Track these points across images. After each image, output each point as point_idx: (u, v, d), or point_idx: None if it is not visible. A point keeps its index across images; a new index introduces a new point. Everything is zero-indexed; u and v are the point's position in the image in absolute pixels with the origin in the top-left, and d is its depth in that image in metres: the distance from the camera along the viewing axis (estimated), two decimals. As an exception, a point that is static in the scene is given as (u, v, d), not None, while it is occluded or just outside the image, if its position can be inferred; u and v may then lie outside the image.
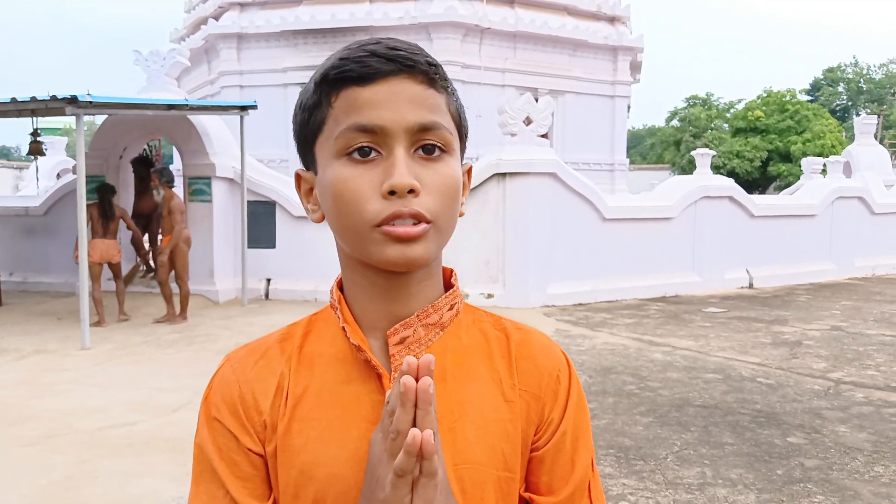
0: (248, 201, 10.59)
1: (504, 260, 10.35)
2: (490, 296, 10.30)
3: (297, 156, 0.90)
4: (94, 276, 8.83)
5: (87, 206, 8.63)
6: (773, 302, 11.17)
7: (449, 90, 0.86)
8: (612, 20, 18.36)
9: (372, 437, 0.77)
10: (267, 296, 10.87)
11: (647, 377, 6.54)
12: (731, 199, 12.53)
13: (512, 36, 16.30)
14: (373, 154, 0.80)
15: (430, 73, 0.83)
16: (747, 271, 12.79)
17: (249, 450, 0.86)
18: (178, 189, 13.37)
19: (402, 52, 0.81)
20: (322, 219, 0.88)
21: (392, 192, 0.78)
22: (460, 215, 0.87)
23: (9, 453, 4.65)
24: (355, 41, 0.84)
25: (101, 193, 8.95)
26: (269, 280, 10.93)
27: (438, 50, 15.25)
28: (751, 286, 12.74)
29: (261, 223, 10.82)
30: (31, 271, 11.87)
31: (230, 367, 0.91)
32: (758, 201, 13.38)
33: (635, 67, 19.72)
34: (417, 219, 0.79)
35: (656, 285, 11.55)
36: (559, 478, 0.89)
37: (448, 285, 0.92)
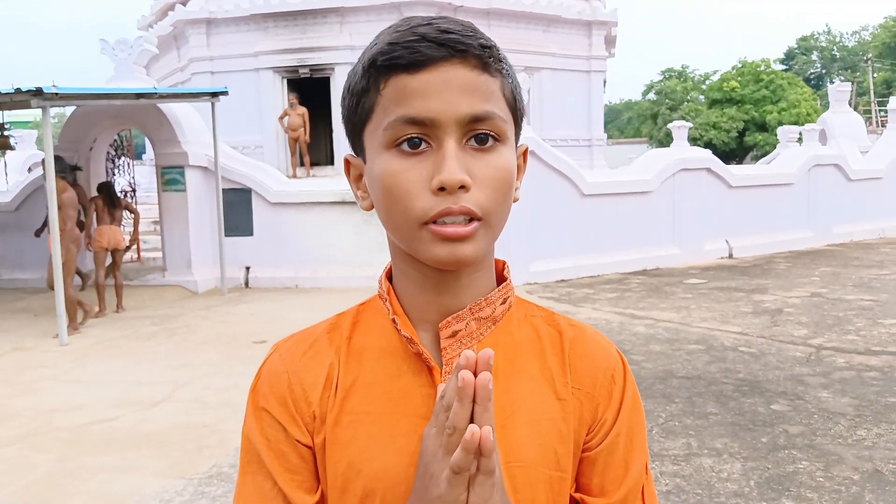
0: (224, 189, 10.47)
1: (484, 239, 10.32)
2: (472, 276, 10.28)
3: (347, 139, 0.86)
4: (100, 263, 8.98)
5: (92, 198, 9.11)
6: (752, 271, 11.25)
7: (504, 72, 0.80)
8: (585, -6, 18.27)
9: (425, 431, 0.74)
10: (247, 284, 10.78)
11: (631, 350, 6.56)
12: (708, 170, 12.56)
13: (485, 13, 16.16)
14: (423, 145, 0.77)
15: (483, 57, 0.77)
16: (727, 242, 12.86)
17: (298, 441, 0.85)
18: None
19: (453, 36, 0.76)
20: (371, 207, 0.85)
21: (442, 189, 0.75)
22: (515, 200, 0.83)
23: (-13, 454, 4.57)
24: (404, 20, 0.79)
25: (103, 187, 9.20)
26: (248, 268, 10.83)
27: (411, 30, 15.11)
28: (730, 256, 12.82)
29: (237, 211, 10.70)
30: (4, 268, 11.68)
31: (279, 356, 0.89)
32: (735, 172, 13.44)
33: (610, 42, 19.66)
34: (468, 215, 0.76)
35: (637, 259, 11.59)
36: (612, 480, 0.87)
37: (501, 278, 0.89)
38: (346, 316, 0.91)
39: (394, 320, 0.85)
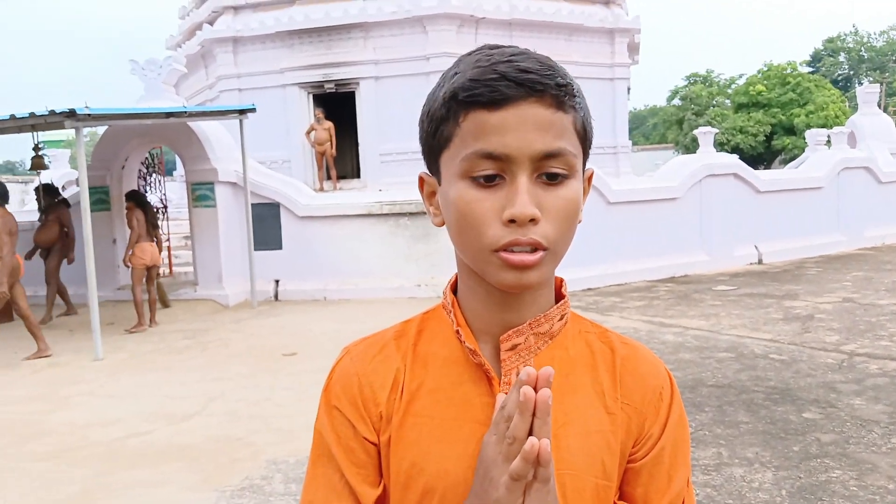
0: (253, 204, 10.60)
1: (511, 249, 10.32)
2: (498, 286, 10.28)
3: (423, 158, 0.92)
4: (139, 279, 9.14)
5: (130, 211, 9.19)
6: (783, 277, 11.12)
7: (577, 107, 0.85)
8: (607, 3, 18.23)
9: (485, 438, 0.80)
10: (276, 297, 10.89)
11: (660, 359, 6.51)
12: (735, 175, 12.46)
13: (507, 24, 16.20)
14: (497, 179, 0.82)
15: (560, 96, 0.82)
16: (756, 247, 12.72)
17: (365, 438, 0.91)
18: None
19: (532, 76, 0.80)
20: (442, 224, 0.90)
21: (512, 221, 0.80)
22: (578, 222, 0.88)
23: (25, 469, 4.67)
24: (485, 55, 0.84)
25: (140, 198, 9.41)
26: (277, 281, 10.95)
27: (434, 42, 15.19)
28: (760, 262, 12.68)
29: (266, 225, 10.83)
30: (41, 285, 11.90)
31: (350, 359, 0.95)
32: (763, 176, 13.31)
33: (633, 49, 19.59)
34: (536, 247, 0.81)
35: (665, 266, 11.52)
36: (655, 490, 0.92)
37: (559, 295, 0.95)
38: (411, 324, 0.97)
39: (457, 331, 0.91)
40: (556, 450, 0.86)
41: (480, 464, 0.79)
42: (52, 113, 7.73)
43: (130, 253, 9.09)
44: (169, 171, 17.27)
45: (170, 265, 12.16)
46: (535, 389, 0.74)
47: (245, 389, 6.20)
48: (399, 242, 10.54)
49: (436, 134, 0.86)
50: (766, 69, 37.40)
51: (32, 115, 7.98)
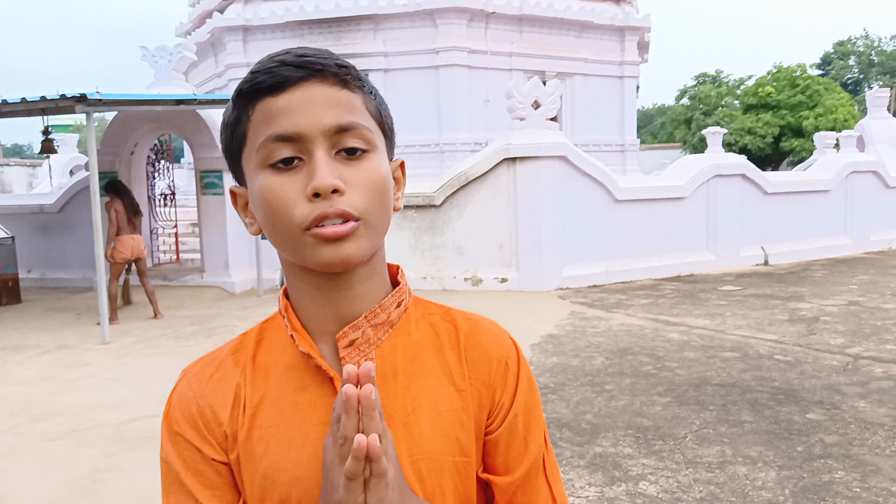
0: (260, 193, 10.62)
1: (517, 244, 10.35)
2: (504, 280, 10.31)
3: (230, 172, 0.91)
4: (116, 273, 8.79)
5: (109, 202, 8.74)
6: (789, 278, 11.12)
7: (365, 89, 0.86)
8: (617, 0, 18.20)
9: (325, 441, 0.79)
10: (282, 285, 10.91)
11: (664, 357, 6.54)
12: (743, 176, 12.46)
13: (518, 19, 16.18)
14: (295, 161, 0.81)
15: (341, 75, 0.83)
16: (762, 248, 12.73)
17: (214, 460, 0.89)
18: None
19: (310, 59, 0.82)
20: (259, 231, 0.88)
21: (317, 195, 0.79)
22: (395, 210, 0.89)
23: (35, 449, 4.71)
24: (267, 55, 0.85)
25: (122, 189, 8.96)
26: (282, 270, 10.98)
27: (444, 36, 15.18)
28: (766, 263, 12.68)
29: (273, 214, 10.86)
30: (48, 268, 11.98)
31: (186, 382, 0.93)
32: (771, 178, 13.30)
33: (643, 47, 19.55)
34: (345, 217, 0.80)
35: (671, 265, 11.53)
36: (514, 458, 0.92)
37: (395, 282, 0.94)
38: (250, 335, 0.95)
39: (292, 336, 0.89)
40: (408, 436, 0.86)
41: (323, 467, 0.79)
42: (63, 97, 7.76)
43: (112, 246, 8.70)
44: (177, 158, 17.32)
45: (177, 252, 12.20)
46: (359, 386, 0.73)
47: (251, 376, 6.23)
48: (405, 235, 10.57)
49: (232, 138, 0.87)
50: (775, 71, 37.28)
51: (44, 98, 8.01)
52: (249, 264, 10.76)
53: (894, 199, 14.72)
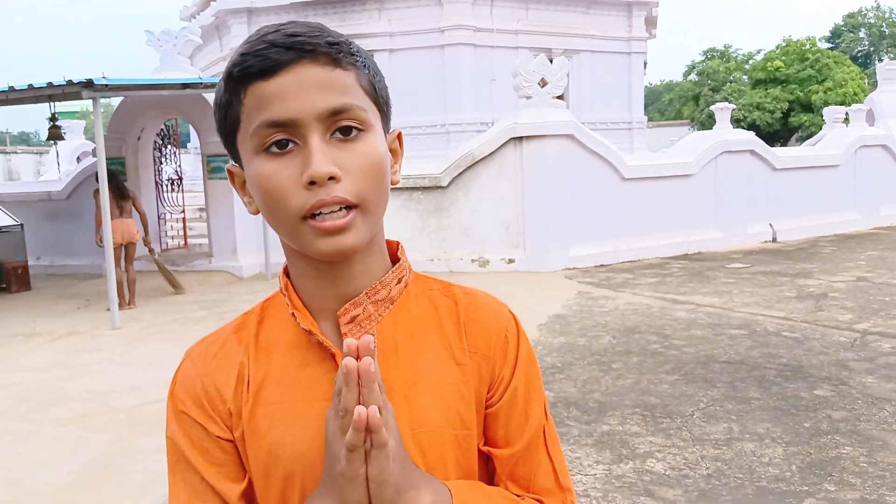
0: (267, 177, 10.63)
1: (524, 224, 10.34)
2: (511, 261, 10.31)
3: (225, 149, 0.91)
4: (116, 259, 8.60)
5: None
6: (797, 255, 11.08)
7: (359, 64, 0.84)
8: (625, -25, 18.01)
9: (326, 415, 0.80)
10: (289, 269, 10.96)
11: (672, 335, 6.55)
12: (751, 152, 12.38)
13: (524, -3, 16.07)
14: (290, 145, 0.81)
15: (332, 54, 0.81)
16: (770, 225, 12.67)
17: (218, 437, 0.90)
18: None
19: (300, 39, 0.80)
20: (258, 211, 0.88)
21: (313, 182, 0.79)
22: (394, 183, 0.89)
23: (48, 434, 4.78)
24: (257, 31, 0.84)
25: (111, 175, 8.73)
26: (291, 254, 11.01)
27: (449, 15, 15.08)
28: (774, 240, 12.63)
29: (280, 198, 10.87)
30: (57, 255, 12.06)
31: (191, 362, 0.94)
32: (779, 154, 13.22)
33: (651, 22, 19.36)
34: (342, 204, 0.80)
35: (678, 243, 11.50)
36: (515, 430, 0.93)
37: (395, 259, 0.94)
38: (251, 314, 0.96)
39: (293, 314, 0.90)
40: (409, 410, 0.87)
41: (325, 440, 0.80)
42: (70, 83, 7.78)
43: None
44: (184, 143, 17.33)
45: (184, 236, 12.26)
46: (358, 359, 0.74)
47: (261, 360, 6.27)
48: (412, 217, 10.57)
49: (226, 119, 0.86)
50: (784, 45, 36.88)
51: (50, 84, 8.03)
52: (257, 248, 10.79)
53: (904, 174, 14.61)
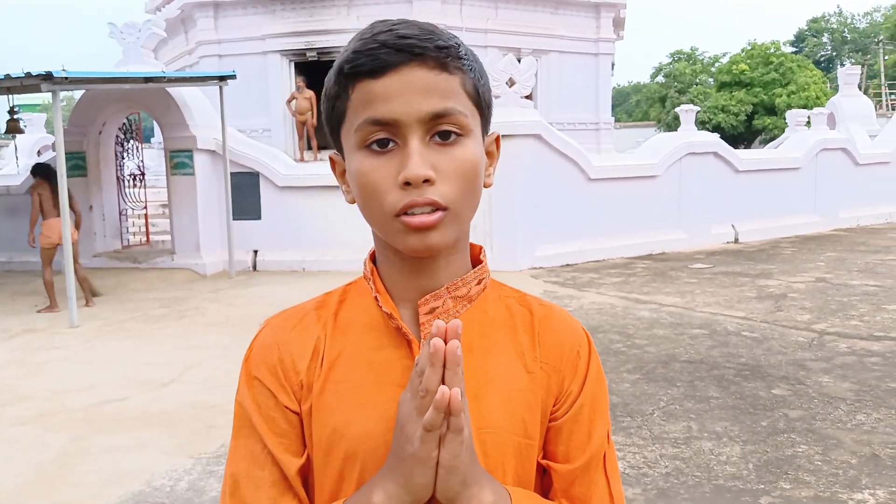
0: (232, 173, 10.52)
1: (490, 224, 10.36)
2: (478, 259, 10.31)
3: (331, 140, 0.93)
4: (48, 260, 8.39)
5: (34, 185, 8.49)
6: (758, 256, 11.26)
7: (465, 67, 0.86)
8: (593, -24, 18.14)
9: (401, 396, 0.82)
10: (255, 267, 10.87)
11: (634, 335, 6.61)
12: (715, 154, 12.55)
13: (493, -4, 16.10)
14: (390, 145, 0.83)
15: (441, 58, 0.84)
16: (733, 226, 12.86)
17: (287, 408, 0.91)
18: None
19: (411, 41, 0.83)
20: (354, 201, 0.91)
21: (408, 183, 0.81)
22: (487, 186, 0.92)
23: (3, 434, 4.67)
24: (369, 27, 0.87)
25: (47, 173, 8.48)
26: (255, 251, 10.91)
27: (418, 13, 15.04)
28: (736, 241, 12.82)
29: (245, 195, 10.77)
30: (16, 251, 11.78)
31: (270, 330, 0.96)
32: (742, 156, 13.41)
33: (618, 24, 19.54)
34: (434, 206, 0.82)
35: (643, 243, 11.62)
36: (576, 447, 0.93)
37: (476, 261, 0.97)
38: (333, 294, 0.99)
39: (376, 297, 0.92)
40: (476, 409, 0.88)
41: (397, 421, 0.81)
42: (29, 75, 7.61)
43: (40, 232, 8.30)
44: (147, 138, 17.08)
45: (147, 233, 12.07)
46: (445, 342, 0.75)
47: (222, 358, 6.21)
48: (379, 214, 10.52)
49: (333, 111, 0.89)
50: (749, 48, 37.49)
51: (8, 77, 7.85)
52: (221, 246, 10.66)
53: (863, 177, 14.92)
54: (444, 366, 0.75)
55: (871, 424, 4.40)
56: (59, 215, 8.27)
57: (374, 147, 0.84)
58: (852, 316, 7.19)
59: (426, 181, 0.81)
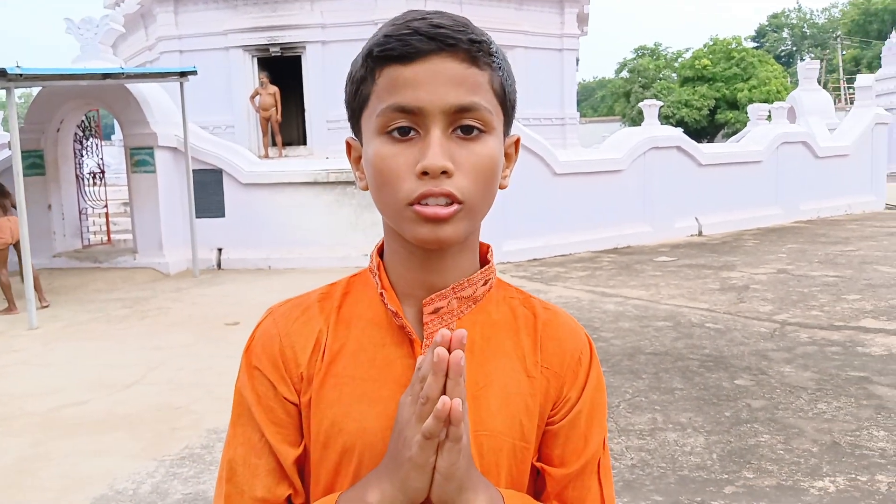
0: (194, 170, 10.38)
1: (457, 219, 10.34)
2: (445, 255, 10.31)
3: (349, 122, 0.92)
4: (3, 260, 8.17)
5: None
6: (721, 248, 11.42)
7: (494, 65, 0.86)
8: (557, -28, 18.21)
9: (401, 399, 0.82)
10: (219, 266, 10.73)
11: (600, 328, 6.66)
12: (678, 148, 12.69)
13: (457, -9, 16.07)
14: (411, 133, 0.83)
15: (472, 51, 0.83)
16: (696, 219, 13.02)
17: (286, 399, 0.91)
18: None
19: (444, 31, 0.82)
20: (367, 187, 0.90)
21: (425, 173, 0.80)
22: (502, 187, 0.90)
23: (-43, 439, 4.55)
24: (403, 15, 0.85)
25: None
26: (220, 250, 10.77)
27: (382, 8, 14.96)
28: (700, 234, 12.99)
29: (208, 192, 10.62)
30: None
31: (272, 320, 0.95)
32: (705, 150, 13.58)
33: (582, 19, 19.64)
34: (449, 198, 0.82)
35: (608, 237, 11.71)
36: (571, 452, 0.94)
37: (484, 261, 0.96)
38: (337, 286, 0.98)
39: (381, 294, 0.91)
40: (475, 410, 0.88)
41: (396, 424, 0.81)
42: (-19, 72, 7.40)
43: None
44: (107, 135, 16.78)
45: (108, 233, 11.86)
46: (450, 351, 0.75)
47: (186, 358, 6.12)
48: (345, 211, 10.47)
49: (356, 95, 0.88)
50: (711, 43, 37.97)
51: (-40, 73, 7.62)
52: (184, 245, 10.50)
53: (823, 170, 15.20)
54: (447, 375, 0.75)
55: (831, 413, 4.48)
56: (6, 214, 8.18)
57: (395, 134, 0.83)
58: (813, 306, 7.32)
59: (444, 173, 0.81)
